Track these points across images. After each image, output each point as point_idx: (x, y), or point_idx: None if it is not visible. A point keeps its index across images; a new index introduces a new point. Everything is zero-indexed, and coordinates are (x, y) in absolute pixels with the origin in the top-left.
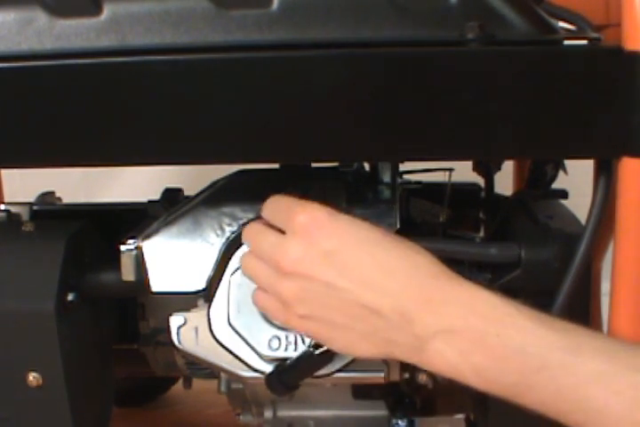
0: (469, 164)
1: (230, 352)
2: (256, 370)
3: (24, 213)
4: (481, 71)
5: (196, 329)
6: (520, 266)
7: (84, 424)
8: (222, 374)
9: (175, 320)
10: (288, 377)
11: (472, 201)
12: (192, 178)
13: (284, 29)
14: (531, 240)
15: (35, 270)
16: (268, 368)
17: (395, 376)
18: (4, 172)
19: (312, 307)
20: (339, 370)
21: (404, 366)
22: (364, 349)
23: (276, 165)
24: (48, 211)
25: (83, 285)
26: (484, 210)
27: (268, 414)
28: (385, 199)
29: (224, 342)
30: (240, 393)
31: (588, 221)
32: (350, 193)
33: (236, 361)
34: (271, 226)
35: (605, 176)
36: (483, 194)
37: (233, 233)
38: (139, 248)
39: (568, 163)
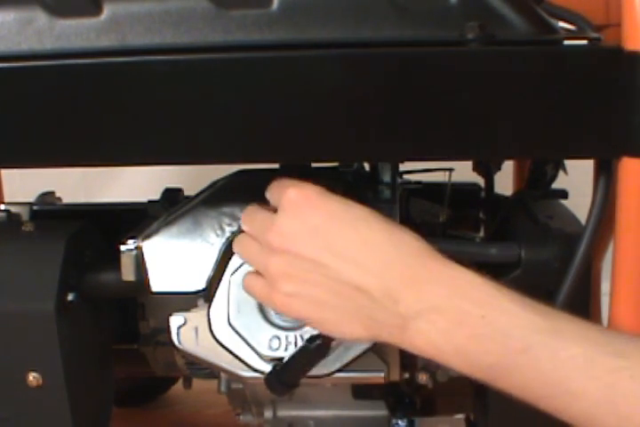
0: (469, 164)
1: (230, 352)
2: (256, 370)
3: (24, 213)
4: (481, 71)
5: (196, 329)
6: (520, 266)
7: (84, 424)
8: (222, 374)
9: (175, 320)
10: (286, 376)
11: (472, 201)
12: (192, 178)
13: (284, 29)
14: (531, 240)
15: (35, 270)
16: (268, 368)
17: (395, 376)
18: (4, 172)
19: (298, 284)
20: (339, 370)
21: (404, 366)
22: (348, 328)
23: (276, 165)
24: (48, 211)
25: (83, 285)
26: (484, 210)
27: (267, 414)
28: (385, 199)
29: (224, 342)
30: (240, 393)
31: (587, 221)
32: (350, 193)
33: (236, 361)
34: (266, 208)
35: (605, 176)
36: (483, 194)
37: (233, 233)
38: (139, 248)
39: (568, 163)
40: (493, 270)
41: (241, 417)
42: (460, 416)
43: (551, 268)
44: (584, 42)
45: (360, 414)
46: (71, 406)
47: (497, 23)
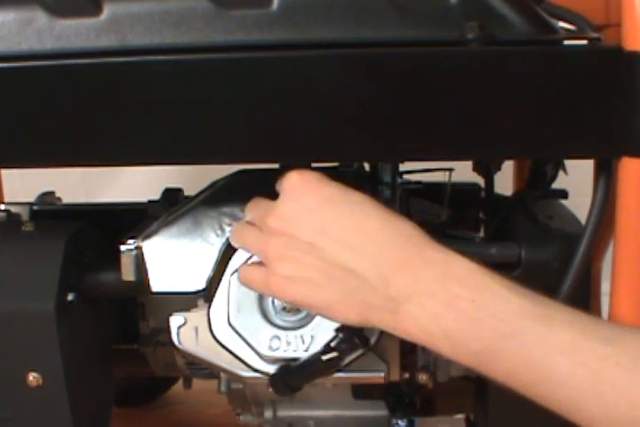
0: (469, 164)
1: (230, 352)
2: (256, 370)
3: (24, 213)
4: (481, 71)
5: (196, 329)
6: (520, 266)
7: (84, 424)
8: (222, 374)
9: (175, 320)
10: (293, 379)
11: (472, 201)
12: (192, 178)
13: (284, 29)
14: (531, 240)
15: (35, 270)
16: (268, 368)
17: (395, 376)
18: (4, 172)
19: (294, 266)
20: (339, 370)
21: (404, 366)
22: (341, 311)
23: (276, 165)
24: (48, 211)
25: (83, 285)
26: (484, 210)
27: (267, 414)
28: (385, 199)
29: (224, 342)
30: (240, 393)
31: (587, 221)
32: None
33: (236, 361)
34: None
35: (605, 176)
36: (483, 194)
37: None
38: (139, 248)
39: (568, 163)
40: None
41: (241, 417)
42: (460, 416)
43: (551, 268)
44: (584, 42)
45: (360, 414)
46: (71, 406)
47: (497, 23)
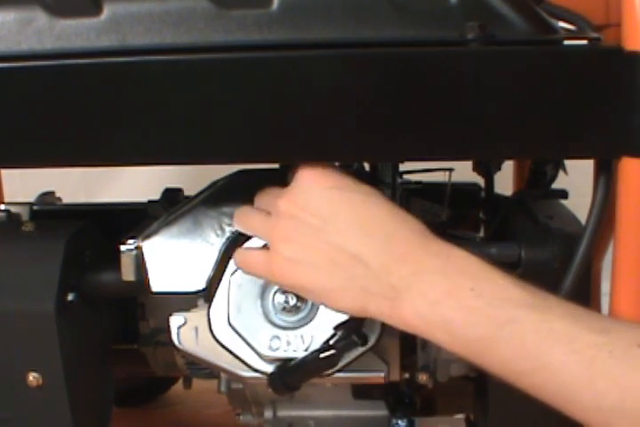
0: (469, 164)
1: (230, 352)
2: (256, 370)
3: (24, 213)
4: (481, 71)
5: (196, 329)
6: (520, 266)
7: (84, 424)
8: (222, 374)
9: (175, 320)
10: (291, 378)
11: (472, 201)
12: (192, 178)
13: (283, 29)
14: (531, 240)
15: (35, 270)
16: (268, 368)
17: (395, 376)
18: (4, 172)
19: (299, 248)
20: (339, 370)
21: (404, 366)
22: (339, 297)
23: (276, 165)
24: (48, 211)
25: (83, 285)
26: (484, 210)
27: (268, 414)
28: None
29: (224, 342)
30: (240, 393)
31: (588, 221)
32: None
33: (236, 361)
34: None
35: (605, 176)
36: (483, 194)
37: (233, 233)
38: (139, 248)
39: (568, 163)
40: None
41: (241, 417)
42: (460, 416)
43: (551, 268)
44: (584, 42)
45: (360, 414)
46: (71, 406)
47: (497, 23)
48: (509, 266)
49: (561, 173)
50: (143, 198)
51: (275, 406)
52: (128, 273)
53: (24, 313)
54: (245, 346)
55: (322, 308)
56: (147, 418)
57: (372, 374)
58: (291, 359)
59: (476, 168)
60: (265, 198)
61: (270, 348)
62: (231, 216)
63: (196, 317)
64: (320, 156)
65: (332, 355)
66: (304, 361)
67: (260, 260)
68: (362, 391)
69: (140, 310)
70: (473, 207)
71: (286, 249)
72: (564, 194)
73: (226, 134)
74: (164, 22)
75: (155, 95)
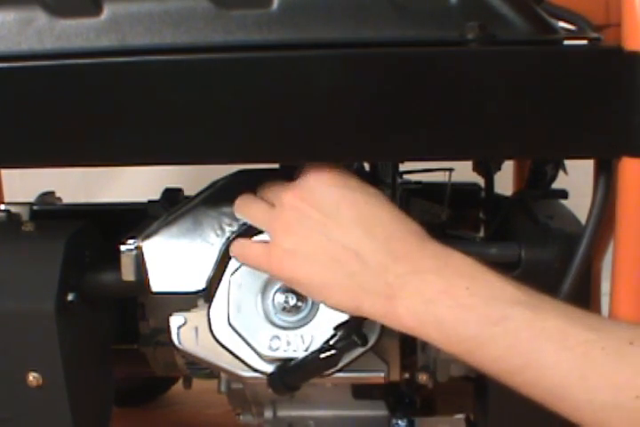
0: (469, 164)
1: (230, 352)
2: (256, 370)
3: (24, 213)
4: (481, 71)
5: (196, 329)
6: (520, 266)
7: (84, 424)
8: (222, 374)
9: (175, 320)
10: (291, 378)
11: (472, 201)
12: (192, 178)
13: (283, 29)
14: (531, 240)
15: (35, 270)
16: (268, 368)
17: (395, 376)
18: (4, 172)
19: (299, 240)
20: (339, 370)
21: (404, 366)
22: (335, 293)
23: (276, 165)
24: (48, 211)
25: (83, 285)
26: (484, 210)
27: (268, 414)
28: None
29: (224, 342)
30: (240, 393)
31: (588, 221)
32: None
33: (236, 361)
34: None
35: (605, 176)
36: (483, 194)
37: (233, 233)
38: (139, 248)
39: (568, 163)
40: (496, 269)
41: (241, 417)
42: (460, 416)
43: (551, 268)
44: (584, 42)
45: (360, 414)
46: (71, 406)
47: (497, 23)
48: (509, 266)
49: (561, 173)
50: (143, 198)
51: (275, 406)
52: (128, 273)
53: (24, 313)
54: (245, 346)
55: (322, 308)
56: (147, 418)
57: (371, 374)
58: (291, 359)
59: (476, 168)
60: (269, 190)
61: (270, 348)
62: (231, 216)
63: (196, 317)
64: (320, 156)
65: (332, 355)
66: (304, 361)
67: (258, 251)
68: (362, 391)
69: (140, 310)
70: (473, 207)
71: (287, 241)
72: (564, 194)
73: (226, 134)
74: (164, 22)
75: (155, 95)
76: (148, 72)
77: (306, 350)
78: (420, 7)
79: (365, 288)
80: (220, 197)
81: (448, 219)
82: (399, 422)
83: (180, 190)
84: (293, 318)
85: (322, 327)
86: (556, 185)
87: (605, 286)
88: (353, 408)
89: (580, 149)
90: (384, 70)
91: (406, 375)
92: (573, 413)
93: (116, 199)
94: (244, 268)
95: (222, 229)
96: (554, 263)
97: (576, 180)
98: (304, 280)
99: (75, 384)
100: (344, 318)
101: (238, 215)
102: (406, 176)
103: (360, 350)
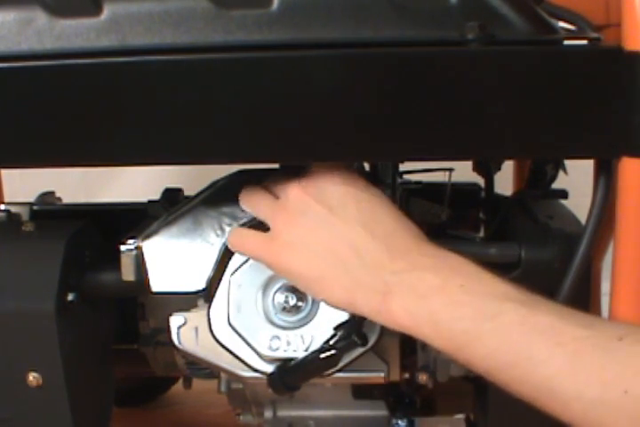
0: (469, 164)
1: (230, 352)
2: (256, 370)
3: (24, 213)
4: (481, 71)
5: (196, 329)
6: (520, 266)
7: (84, 424)
8: (222, 374)
9: (175, 320)
10: (291, 378)
11: (472, 201)
12: (192, 178)
13: (283, 29)
14: (531, 240)
15: (35, 270)
16: (268, 368)
17: (395, 376)
18: (4, 172)
19: (301, 233)
20: (339, 370)
21: (404, 366)
22: (330, 287)
23: (276, 165)
24: (48, 211)
25: (83, 285)
26: (484, 210)
27: (268, 414)
28: None
29: (224, 342)
30: (240, 393)
31: (588, 221)
32: None
33: (236, 361)
34: None
35: (605, 176)
36: (483, 194)
37: None
38: (139, 248)
39: (568, 163)
40: (493, 270)
41: (241, 417)
42: (460, 416)
43: (551, 268)
44: (584, 42)
45: (360, 414)
46: (71, 406)
47: (497, 23)
48: (509, 266)
49: (561, 173)
50: (143, 198)
51: (275, 406)
52: (128, 273)
53: (24, 313)
54: (245, 346)
55: (322, 308)
56: (147, 418)
57: (372, 374)
58: (291, 359)
59: (476, 168)
60: (276, 183)
61: (270, 348)
62: (231, 216)
63: (196, 317)
64: (320, 156)
65: (332, 355)
66: (304, 361)
67: (256, 240)
68: (362, 391)
69: (140, 310)
70: (473, 207)
71: (288, 232)
72: (564, 194)
73: (226, 134)
74: (164, 22)
75: (155, 95)
76: (148, 72)
77: (306, 350)
78: (419, 7)
79: (361, 284)
80: (220, 197)
81: (448, 219)
82: (399, 422)
83: (180, 190)
84: (293, 318)
85: (322, 327)
86: (556, 185)
87: (605, 286)
88: (353, 408)
89: (580, 149)
90: (384, 70)
91: (406, 375)
92: (561, 409)
93: (116, 199)
94: (244, 268)
95: (222, 229)
96: (554, 263)
97: (576, 180)
98: (300, 273)
99: (75, 384)
100: (344, 318)
101: (242, 206)
102: (406, 176)
103: (360, 350)
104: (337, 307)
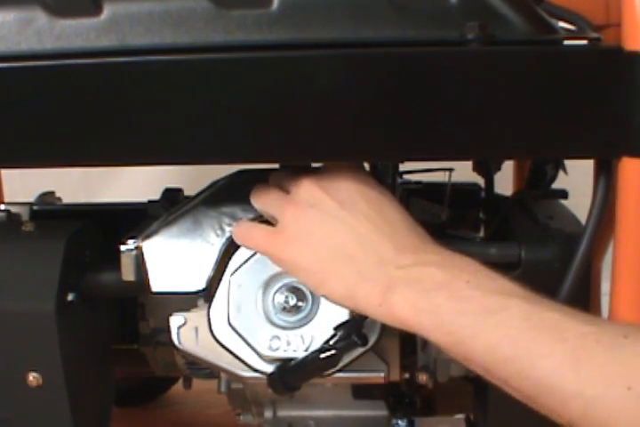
0: (469, 164)
1: (230, 352)
2: (256, 370)
3: (24, 213)
4: (481, 71)
5: (196, 329)
6: (520, 266)
7: (84, 424)
8: (222, 374)
9: (175, 320)
10: (291, 378)
11: (472, 201)
12: (192, 178)
13: (283, 29)
14: (531, 240)
15: (35, 270)
16: (268, 368)
17: (395, 376)
18: (4, 172)
19: (308, 227)
20: (339, 370)
21: (404, 366)
22: (331, 280)
23: (276, 165)
24: (48, 211)
25: (83, 285)
26: (484, 210)
27: (268, 414)
28: None
29: (224, 342)
30: (240, 393)
31: (588, 221)
32: None
33: (236, 361)
34: None
35: (605, 176)
36: (483, 194)
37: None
38: (139, 248)
39: (568, 163)
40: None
41: (241, 417)
42: (460, 416)
43: (551, 268)
44: (584, 42)
45: (360, 414)
46: (71, 406)
47: (497, 23)
48: (509, 266)
49: (561, 173)
50: (143, 198)
51: (275, 406)
52: (128, 273)
53: (24, 313)
54: (245, 346)
55: (322, 308)
56: (147, 418)
57: (372, 374)
58: (291, 359)
59: (476, 168)
60: (287, 177)
61: (270, 348)
62: (231, 216)
63: (196, 317)
64: (320, 156)
65: (332, 355)
66: (304, 361)
67: (261, 232)
68: (362, 391)
69: (140, 310)
70: (473, 207)
71: (296, 225)
72: (564, 194)
73: (226, 134)
74: (164, 22)
75: (155, 95)
76: (148, 72)
77: (306, 350)
78: (420, 7)
79: (365, 277)
80: (220, 197)
81: (448, 219)
82: (399, 422)
83: (180, 190)
84: (293, 318)
85: (322, 327)
86: (556, 185)
87: (605, 286)
88: (353, 408)
89: (579, 149)
90: (384, 70)
91: (406, 375)
92: (559, 405)
93: (116, 199)
94: (244, 268)
95: (222, 229)
96: (554, 263)
97: (576, 180)
98: (304, 265)
99: (75, 384)
100: (344, 318)
101: (254, 204)
102: (406, 176)
103: (360, 350)
104: (337, 301)
